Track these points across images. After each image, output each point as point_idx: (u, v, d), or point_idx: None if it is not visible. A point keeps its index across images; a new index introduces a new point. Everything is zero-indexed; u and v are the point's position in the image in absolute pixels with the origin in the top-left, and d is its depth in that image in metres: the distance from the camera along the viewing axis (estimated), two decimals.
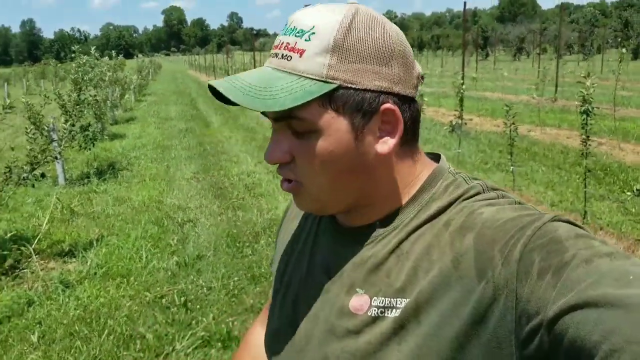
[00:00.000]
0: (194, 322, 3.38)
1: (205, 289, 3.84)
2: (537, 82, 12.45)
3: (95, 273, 4.17)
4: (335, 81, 0.61)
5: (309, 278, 0.74)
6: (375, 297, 0.64)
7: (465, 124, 5.09)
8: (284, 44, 0.63)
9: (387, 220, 0.69)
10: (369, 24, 0.63)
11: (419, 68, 0.68)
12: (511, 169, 4.64)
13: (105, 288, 3.91)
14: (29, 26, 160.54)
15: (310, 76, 0.61)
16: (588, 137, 4.35)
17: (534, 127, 9.61)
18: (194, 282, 3.97)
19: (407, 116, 0.65)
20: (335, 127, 0.62)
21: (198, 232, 5.08)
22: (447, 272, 0.59)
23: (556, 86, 13.23)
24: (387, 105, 0.63)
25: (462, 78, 7.00)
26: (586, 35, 40.04)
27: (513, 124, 4.43)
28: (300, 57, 0.61)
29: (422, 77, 0.69)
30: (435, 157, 0.75)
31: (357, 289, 0.66)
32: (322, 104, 0.61)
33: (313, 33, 0.61)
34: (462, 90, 5.14)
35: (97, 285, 3.94)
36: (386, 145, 0.65)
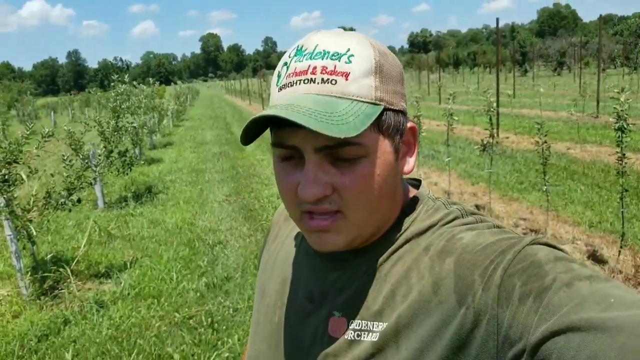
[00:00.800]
0: (219, 342, 3.42)
1: (231, 310, 3.89)
2: (577, 98, 12.10)
3: (128, 294, 4.28)
4: (382, 103, 0.60)
5: (291, 303, 0.74)
6: (352, 320, 0.64)
7: (497, 142, 5.00)
8: (319, 68, 0.59)
9: (369, 246, 0.68)
10: (383, 48, 0.64)
11: None
12: (544, 188, 4.51)
13: (137, 308, 4.01)
14: (74, 57, 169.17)
15: (362, 99, 0.59)
16: (624, 154, 4.19)
17: (573, 144, 9.33)
18: (221, 303, 4.02)
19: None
20: (382, 149, 0.61)
21: (227, 254, 5.16)
22: (427, 297, 0.59)
23: (597, 101, 12.82)
24: (411, 124, 0.66)
25: (497, 95, 6.91)
26: (631, 47, 38.82)
27: (545, 142, 4.33)
28: (346, 80, 0.59)
29: None
30: (416, 183, 0.75)
31: (335, 312, 0.66)
32: (373, 127, 0.60)
33: (352, 55, 0.59)
34: (492, 108, 5.07)
35: (129, 306, 4.05)
36: (409, 165, 0.67)
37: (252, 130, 0.60)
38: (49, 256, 4.91)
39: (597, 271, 0.53)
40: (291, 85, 0.61)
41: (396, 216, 0.68)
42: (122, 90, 8.18)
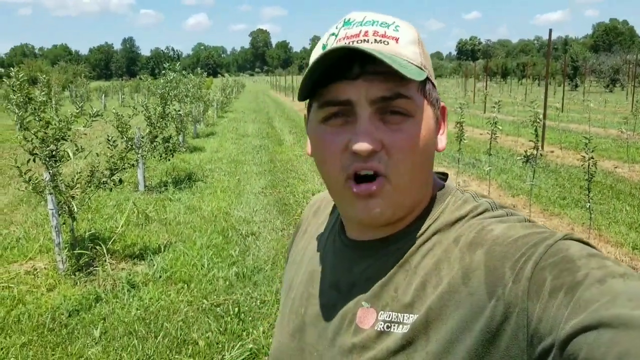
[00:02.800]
0: (244, 333, 3.42)
1: (259, 301, 3.89)
2: (628, 116, 11.59)
3: (160, 276, 4.36)
4: (426, 70, 0.63)
5: (317, 293, 0.73)
6: (382, 312, 0.63)
7: (541, 155, 4.81)
8: (371, 32, 0.62)
9: (398, 234, 0.67)
10: None
11: None
12: (588, 206, 4.31)
13: (166, 292, 4.07)
14: (129, 44, 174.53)
15: (412, 62, 0.62)
16: None
17: (621, 163, 8.93)
18: (249, 294, 4.03)
19: None
20: (427, 113, 0.63)
21: (259, 246, 5.17)
22: (457, 289, 0.58)
23: None
24: (443, 103, 0.68)
25: (544, 107, 6.67)
26: None
27: (592, 157, 4.14)
28: (397, 43, 0.62)
29: None
30: (444, 176, 0.75)
31: (363, 303, 0.65)
32: (419, 89, 0.62)
33: (398, 26, 0.63)
34: (538, 119, 4.89)
35: (159, 288, 4.11)
36: (441, 142, 0.68)
37: (310, 81, 0.61)
38: (87, 234, 5.05)
39: (631, 269, 0.51)
40: (350, 44, 0.61)
41: (426, 203, 0.68)
42: (171, 78, 8.35)
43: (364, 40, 0.61)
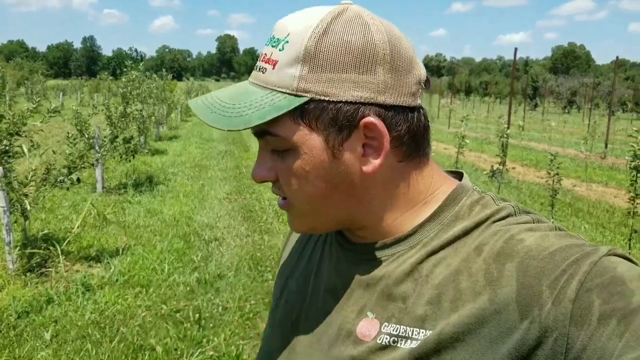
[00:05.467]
0: (204, 340, 3.31)
1: (221, 308, 3.78)
2: (586, 137, 12.09)
3: (117, 280, 4.18)
4: (306, 94, 0.55)
5: (311, 298, 0.68)
6: (387, 323, 0.57)
7: (507, 170, 4.92)
8: (263, 56, 0.59)
9: (401, 238, 0.61)
10: (348, 26, 0.55)
11: (420, 72, 0.59)
12: (551, 222, 4.42)
13: (123, 296, 3.90)
14: (89, 43, 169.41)
15: (281, 89, 0.56)
16: (637, 194, 4.12)
17: (579, 182, 9.27)
18: (211, 300, 3.91)
19: (402, 129, 0.57)
20: (310, 144, 0.56)
21: (222, 252, 5.05)
22: (481, 305, 0.52)
23: (606, 143, 12.80)
24: (368, 119, 0.55)
25: (508, 123, 6.85)
26: None
27: (557, 174, 4.25)
28: (273, 69, 0.56)
29: (428, 81, 0.61)
30: (458, 176, 0.67)
31: (368, 313, 0.59)
32: (294, 119, 0.56)
33: (287, 42, 0.56)
34: (505, 135, 5.00)
35: (116, 292, 3.94)
36: (370, 164, 0.57)
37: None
38: (40, 233, 4.81)
39: None
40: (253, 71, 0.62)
41: (419, 207, 0.61)
42: (134, 77, 8.13)
43: (256, 67, 0.60)
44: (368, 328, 0.58)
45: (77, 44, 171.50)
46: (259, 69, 0.58)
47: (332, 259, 0.67)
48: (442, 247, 0.58)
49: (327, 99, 0.55)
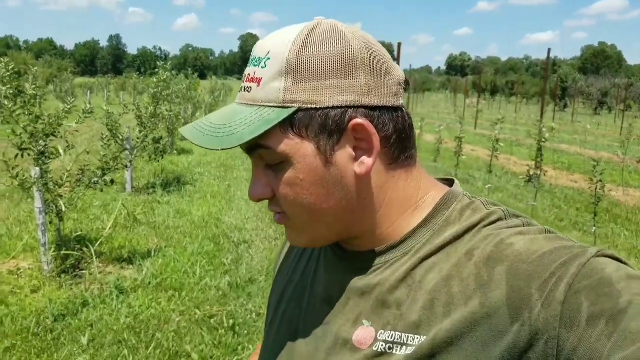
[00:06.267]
0: (240, 347, 3.26)
1: (254, 314, 3.73)
2: (622, 140, 11.72)
3: (150, 283, 4.17)
4: (293, 104, 0.56)
5: (308, 309, 0.68)
6: (383, 331, 0.58)
7: (544, 175, 4.76)
8: (246, 77, 0.60)
9: (394, 245, 0.62)
10: (325, 36, 0.57)
11: (398, 73, 0.61)
12: (593, 230, 4.26)
13: (157, 299, 3.89)
14: (115, 41, 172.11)
15: (269, 104, 0.57)
16: None
17: (615, 187, 8.98)
18: (243, 305, 3.87)
19: (389, 128, 0.59)
20: (302, 153, 0.57)
21: (252, 255, 5.02)
22: (473, 309, 0.53)
23: None
24: (356, 120, 0.57)
25: (540, 128, 6.65)
26: None
27: (600, 181, 4.09)
28: (258, 86, 0.58)
29: (407, 82, 0.63)
30: (448, 182, 0.68)
31: (364, 321, 0.60)
32: (284, 130, 0.57)
33: (268, 59, 0.58)
34: (544, 139, 4.84)
35: (149, 295, 3.93)
36: (364, 165, 0.59)
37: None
38: (74, 234, 4.84)
39: None
40: (238, 93, 0.63)
41: (410, 213, 0.62)
42: (164, 77, 8.15)
43: (241, 89, 0.61)
44: (364, 336, 0.59)
45: (104, 42, 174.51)
46: (244, 89, 0.60)
47: (327, 270, 0.68)
48: (434, 253, 0.59)
49: (314, 106, 0.56)
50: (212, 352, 3.18)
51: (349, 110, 0.57)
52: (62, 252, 4.31)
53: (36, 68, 4.81)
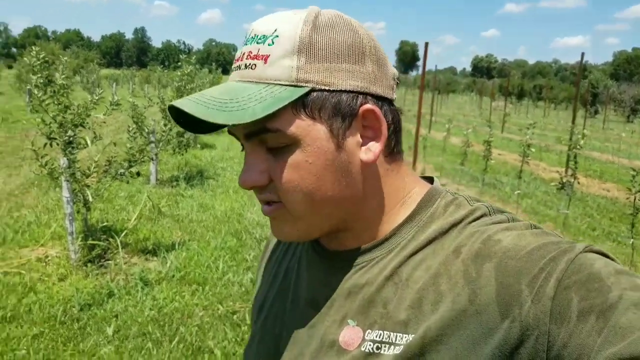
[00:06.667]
0: None
1: None
2: None
3: (174, 276, 4.17)
4: (307, 84, 0.55)
5: (292, 312, 0.66)
6: (370, 330, 0.57)
7: (579, 183, 4.62)
8: (246, 54, 0.57)
9: (380, 242, 0.61)
10: (334, 21, 0.57)
11: (393, 69, 0.62)
12: (631, 242, 4.12)
13: (180, 293, 3.88)
14: (140, 34, 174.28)
15: (279, 82, 0.55)
16: None
17: None
18: None
19: (389, 119, 0.59)
20: (313, 135, 0.55)
21: None
22: (462, 306, 0.52)
23: None
24: (367, 106, 0.57)
25: (572, 134, 6.47)
26: None
27: (639, 191, 3.96)
28: (265, 63, 0.55)
29: (398, 79, 0.63)
30: (428, 180, 0.68)
31: (349, 321, 0.59)
32: (296, 111, 0.55)
33: (276, 36, 0.55)
34: (579, 146, 4.70)
35: (173, 289, 3.93)
36: (371, 152, 0.58)
37: (183, 118, 0.58)
38: (100, 225, 4.87)
39: None
40: (230, 74, 0.60)
41: (402, 209, 0.62)
42: (189, 71, 8.18)
43: (239, 67, 0.57)
44: (351, 336, 0.58)
45: (129, 35, 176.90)
46: (247, 66, 0.56)
47: (310, 271, 0.66)
48: (419, 249, 0.58)
49: (327, 88, 0.55)
50: (234, 349, 3.16)
51: (359, 95, 0.56)
52: (89, 242, 4.34)
53: (65, 58, 4.84)
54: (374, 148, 0.58)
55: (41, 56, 4.92)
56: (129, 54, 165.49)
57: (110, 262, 4.29)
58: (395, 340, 0.54)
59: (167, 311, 3.56)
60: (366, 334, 0.57)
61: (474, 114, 28.65)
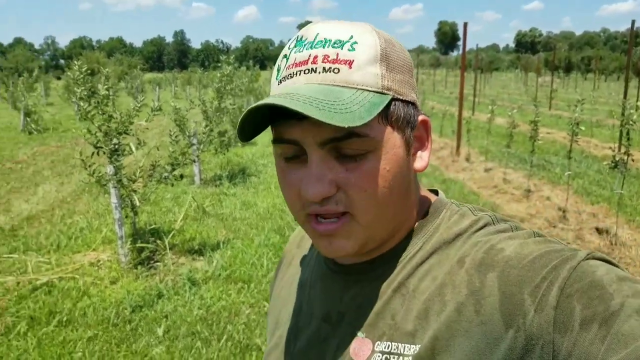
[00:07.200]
0: None
1: None
2: None
3: (220, 275, 4.26)
4: (389, 92, 0.56)
5: (306, 327, 0.67)
6: (379, 342, 0.57)
7: (633, 160, 4.36)
8: (320, 57, 0.54)
9: (389, 254, 0.62)
10: (389, 36, 0.59)
11: None
12: None
13: (227, 291, 3.96)
14: (180, 37, 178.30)
15: (367, 88, 0.54)
16: None
17: None
18: None
19: None
20: (392, 143, 0.56)
21: None
22: (467, 316, 0.52)
23: None
24: (423, 117, 0.61)
25: (623, 109, 6.11)
26: None
27: None
28: (350, 68, 0.54)
29: None
30: (433, 192, 0.69)
31: (358, 333, 0.60)
32: (380, 118, 0.55)
33: (355, 42, 0.55)
34: (631, 121, 4.44)
35: (220, 287, 4.01)
36: (422, 160, 0.61)
37: (251, 124, 0.55)
38: (148, 227, 5.03)
39: None
40: (291, 77, 0.56)
41: (413, 221, 0.63)
42: (227, 72, 8.29)
43: (312, 70, 0.54)
44: (361, 348, 0.58)
45: (169, 38, 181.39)
46: (325, 69, 0.54)
47: (323, 286, 0.67)
48: (425, 259, 0.59)
49: (401, 97, 0.57)
50: None
51: (415, 106, 0.59)
52: (138, 245, 4.49)
53: (107, 69, 4.98)
54: (425, 157, 0.61)
55: (83, 69, 5.11)
56: (170, 57, 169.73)
57: (159, 263, 4.42)
58: (404, 351, 0.55)
59: (215, 310, 3.64)
60: (376, 346, 0.57)
61: (519, 91, 27.67)
